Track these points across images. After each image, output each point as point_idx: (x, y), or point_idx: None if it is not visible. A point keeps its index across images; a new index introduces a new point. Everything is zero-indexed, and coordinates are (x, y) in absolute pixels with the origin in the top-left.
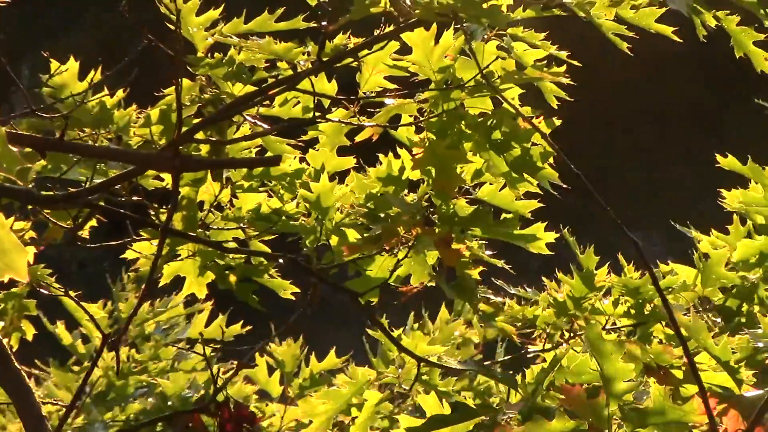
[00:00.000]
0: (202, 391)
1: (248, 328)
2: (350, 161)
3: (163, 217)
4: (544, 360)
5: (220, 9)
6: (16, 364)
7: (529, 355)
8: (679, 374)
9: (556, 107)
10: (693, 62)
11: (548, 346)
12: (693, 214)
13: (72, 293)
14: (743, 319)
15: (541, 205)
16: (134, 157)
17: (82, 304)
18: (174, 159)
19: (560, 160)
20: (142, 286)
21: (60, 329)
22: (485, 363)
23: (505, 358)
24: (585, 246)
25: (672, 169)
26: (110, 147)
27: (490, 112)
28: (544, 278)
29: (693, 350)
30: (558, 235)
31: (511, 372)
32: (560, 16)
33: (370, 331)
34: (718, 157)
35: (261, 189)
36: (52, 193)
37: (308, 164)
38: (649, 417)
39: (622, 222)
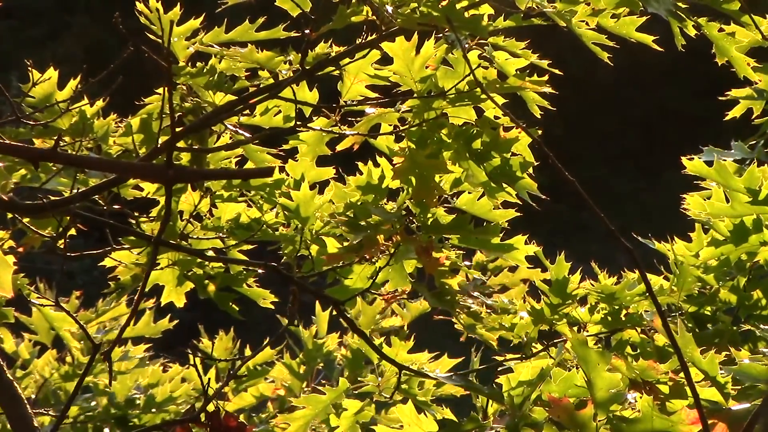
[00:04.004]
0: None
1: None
2: (330, 172)
3: (144, 226)
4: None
5: (201, 18)
6: (8, 375)
7: (507, 364)
8: (665, 389)
9: (539, 116)
10: (680, 71)
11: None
12: (683, 222)
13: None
14: (709, 325)
15: (518, 214)
16: (128, 168)
17: (72, 314)
18: (168, 170)
19: (553, 168)
20: (124, 296)
21: (3, 333)
22: (460, 372)
23: (481, 367)
24: (575, 255)
25: (660, 178)
26: (102, 158)
27: (472, 122)
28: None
29: (675, 368)
30: (538, 248)
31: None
32: (550, 26)
33: (350, 340)
34: (685, 162)
35: (240, 199)
36: (41, 201)
37: (288, 175)
38: (637, 428)
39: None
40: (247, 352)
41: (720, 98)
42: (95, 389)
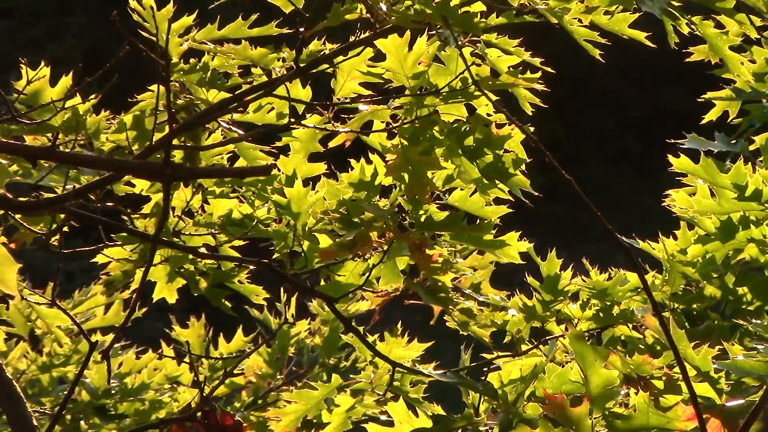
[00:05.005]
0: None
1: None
2: (321, 167)
3: (138, 223)
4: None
5: (194, 15)
6: (7, 374)
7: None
8: (659, 384)
9: (530, 114)
10: (679, 71)
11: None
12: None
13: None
14: (698, 322)
15: (510, 210)
16: (125, 166)
17: (69, 313)
18: (165, 168)
19: (551, 169)
20: (114, 291)
21: None
22: (452, 369)
23: (472, 364)
24: (574, 256)
25: (659, 178)
26: (99, 156)
27: (463, 119)
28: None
29: (670, 362)
30: (530, 244)
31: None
32: (548, 27)
33: (344, 337)
34: (671, 159)
35: (232, 195)
36: (35, 198)
37: (279, 170)
38: (633, 424)
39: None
40: (221, 340)
41: (700, 99)
42: (70, 381)
